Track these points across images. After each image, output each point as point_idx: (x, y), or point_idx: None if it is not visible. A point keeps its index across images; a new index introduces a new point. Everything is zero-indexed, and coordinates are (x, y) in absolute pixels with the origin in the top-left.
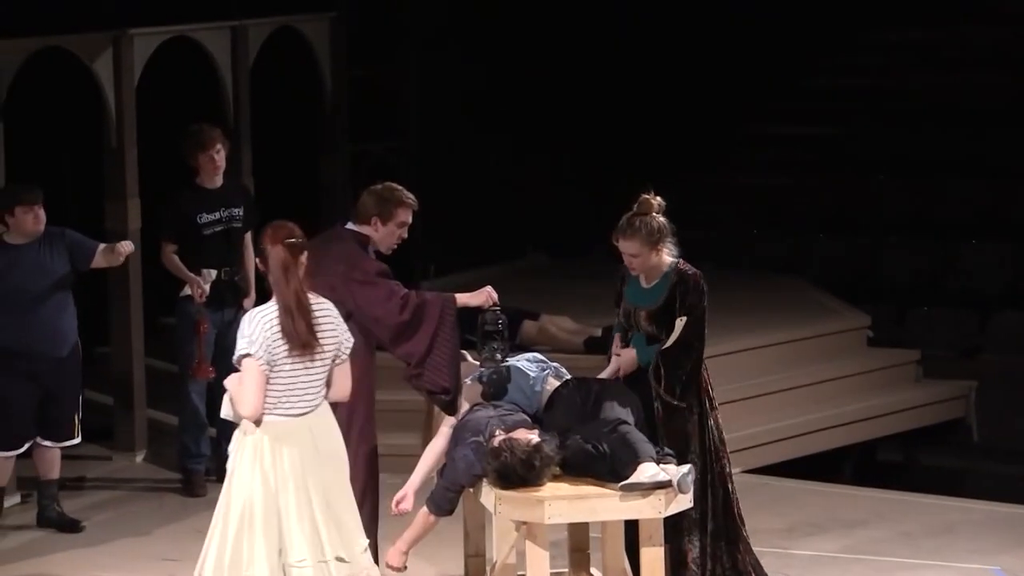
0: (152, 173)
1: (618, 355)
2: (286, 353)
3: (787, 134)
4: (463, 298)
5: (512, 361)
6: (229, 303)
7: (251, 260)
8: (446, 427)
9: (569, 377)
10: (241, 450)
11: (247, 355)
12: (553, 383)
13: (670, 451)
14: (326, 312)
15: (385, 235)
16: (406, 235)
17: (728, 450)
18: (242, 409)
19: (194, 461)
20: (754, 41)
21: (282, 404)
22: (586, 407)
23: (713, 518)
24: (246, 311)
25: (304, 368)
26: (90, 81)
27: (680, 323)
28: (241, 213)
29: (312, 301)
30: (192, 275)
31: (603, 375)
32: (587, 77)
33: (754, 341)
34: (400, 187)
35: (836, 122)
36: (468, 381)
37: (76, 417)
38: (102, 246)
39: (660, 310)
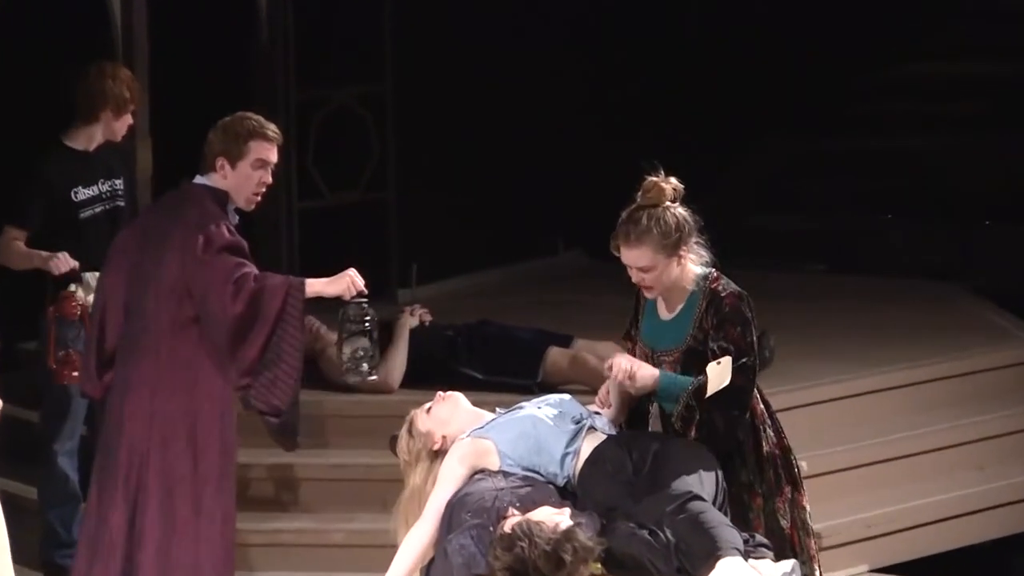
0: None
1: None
2: None
3: (936, 75)
4: (317, 285)
5: (530, 407)
6: None
7: None
8: (434, 504)
9: (615, 431)
10: None
11: None
12: (592, 439)
13: (764, 540)
14: None
15: (239, 181)
16: (270, 179)
17: (820, 541)
18: None
19: (62, 552)
20: None
21: None
22: (639, 474)
23: None
24: None
25: None
26: None
27: (717, 367)
28: (123, 187)
29: None
30: (43, 253)
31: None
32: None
33: (886, 380)
34: (256, 115)
35: (1009, 59)
36: (464, 438)
37: None
38: None
39: (691, 353)
